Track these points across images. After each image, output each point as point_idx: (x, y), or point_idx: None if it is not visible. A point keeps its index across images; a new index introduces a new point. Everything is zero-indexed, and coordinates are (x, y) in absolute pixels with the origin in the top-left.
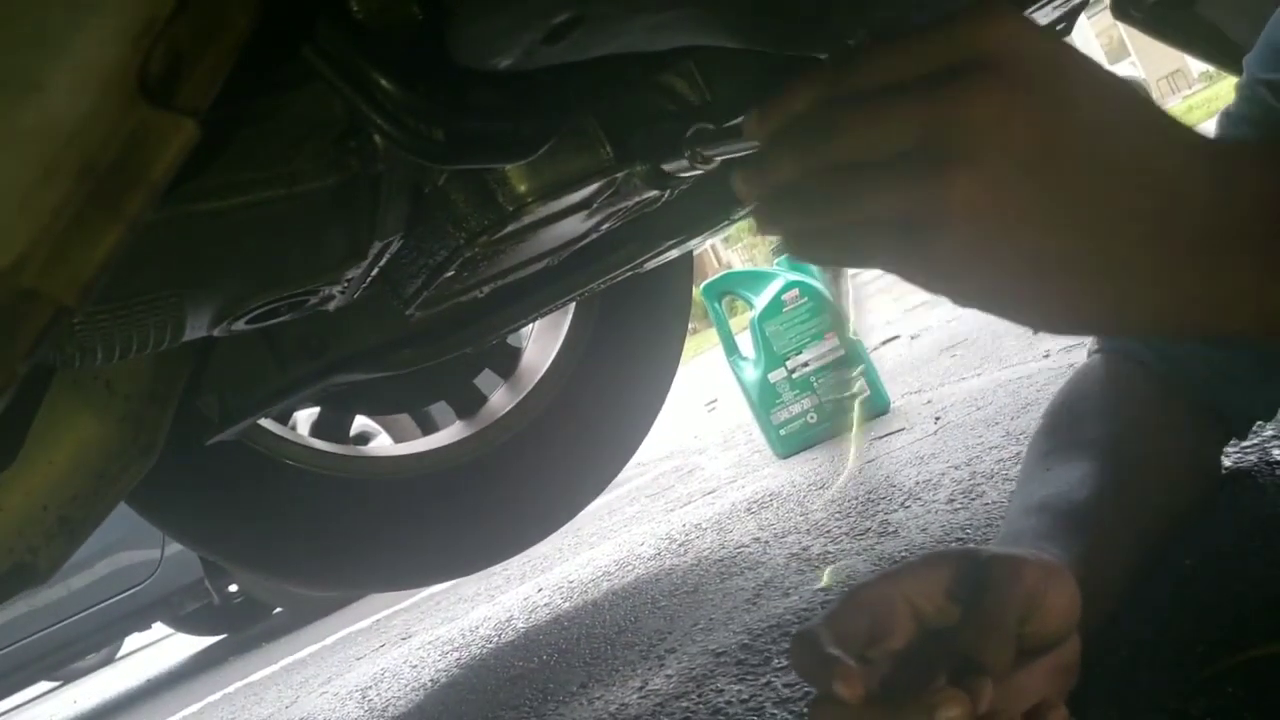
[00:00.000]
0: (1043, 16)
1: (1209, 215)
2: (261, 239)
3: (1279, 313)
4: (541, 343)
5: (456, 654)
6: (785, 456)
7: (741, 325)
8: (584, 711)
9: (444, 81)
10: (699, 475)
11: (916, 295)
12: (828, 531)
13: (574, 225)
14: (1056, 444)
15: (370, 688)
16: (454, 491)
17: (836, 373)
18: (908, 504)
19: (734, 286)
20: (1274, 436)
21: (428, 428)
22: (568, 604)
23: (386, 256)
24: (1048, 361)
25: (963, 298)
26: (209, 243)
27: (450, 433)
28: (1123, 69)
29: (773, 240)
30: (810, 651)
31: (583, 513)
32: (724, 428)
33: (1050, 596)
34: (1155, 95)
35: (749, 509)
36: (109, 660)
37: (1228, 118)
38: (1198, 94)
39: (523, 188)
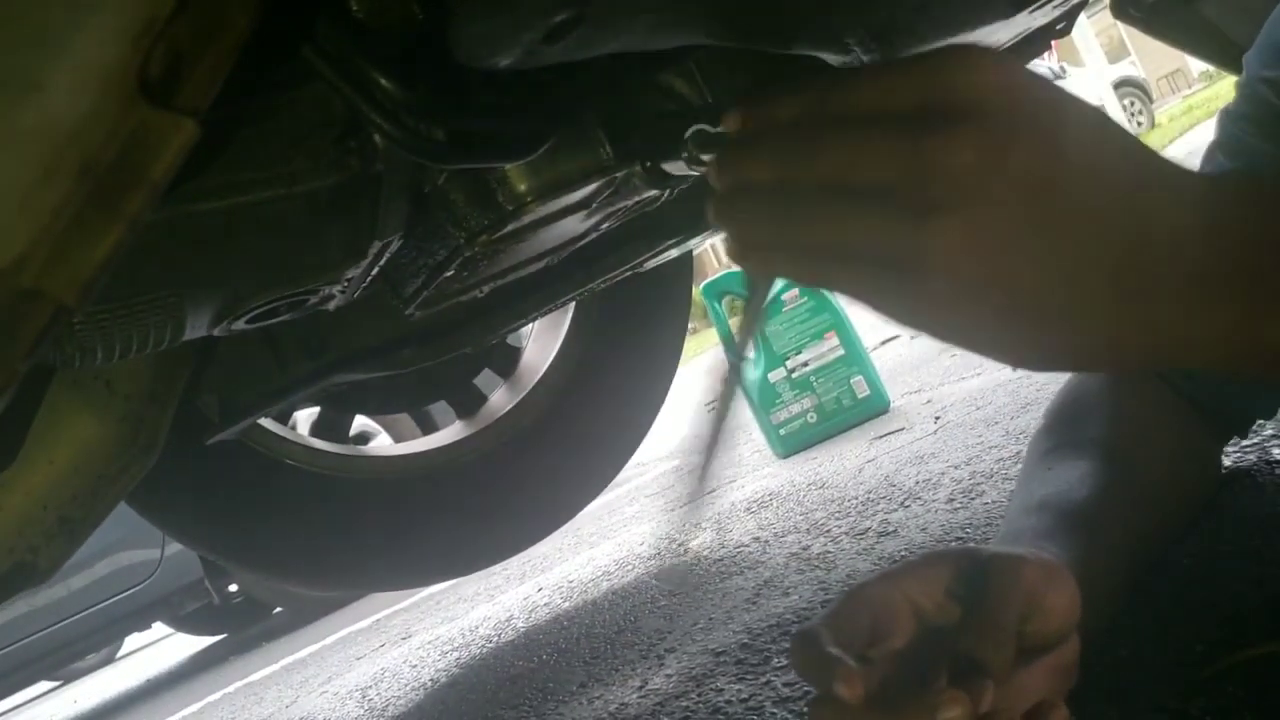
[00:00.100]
0: (1042, 16)
1: (1196, 256)
2: (261, 239)
3: (1270, 347)
4: (541, 342)
5: (456, 654)
6: (785, 456)
7: None
8: (584, 711)
9: (444, 81)
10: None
11: None
12: (828, 531)
13: (574, 225)
14: (1056, 443)
15: (370, 687)
16: (454, 491)
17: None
18: (908, 503)
19: (734, 286)
20: (1274, 436)
21: (428, 428)
22: (568, 604)
23: (386, 256)
24: None
25: (938, 337)
26: (209, 243)
27: (450, 432)
28: (1123, 69)
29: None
30: (811, 651)
31: (583, 512)
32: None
33: (1050, 596)
34: (1155, 95)
35: (749, 508)
36: (109, 660)
37: (1228, 115)
38: (1198, 94)
39: (523, 187)
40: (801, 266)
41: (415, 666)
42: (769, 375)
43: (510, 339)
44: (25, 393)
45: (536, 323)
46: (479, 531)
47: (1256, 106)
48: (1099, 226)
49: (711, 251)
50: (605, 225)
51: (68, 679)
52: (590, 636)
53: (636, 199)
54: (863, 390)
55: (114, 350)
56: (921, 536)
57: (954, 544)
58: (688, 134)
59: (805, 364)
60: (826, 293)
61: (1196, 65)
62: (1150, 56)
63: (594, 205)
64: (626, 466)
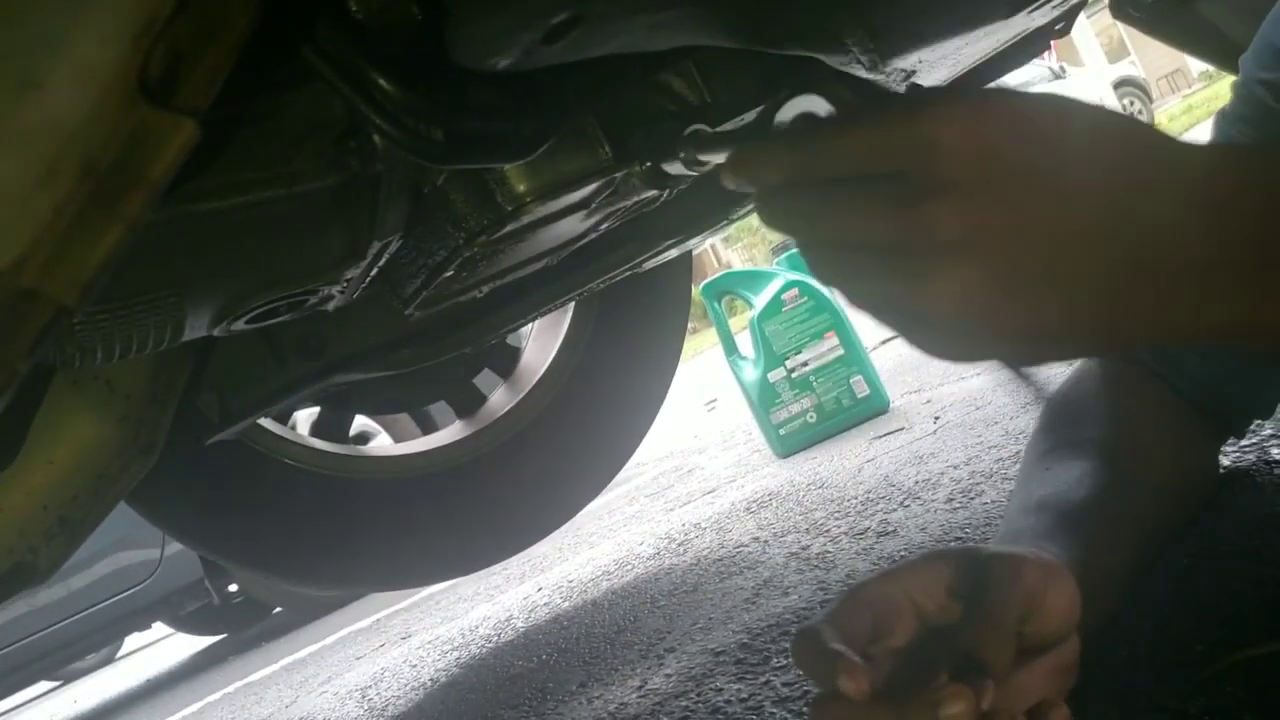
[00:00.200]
0: (1041, 16)
1: (1198, 248)
2: (261, 239)
3: (1273, 330)
4: (541, 342)
5: (456, 653)
6: (785, 456)
7: (741, 325)
8: (583, 711)
9: (443, 81)
10: (699, 475)
11: None
12: (827, 531)
13: (573, 225)
14: (1055, 443)
15: (370, 687)
16: (454, 491)
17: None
18: (907, 503)
19: (733, 286)
20: (1273, 436)
21: (428, 428)
22: (567, 603)
23: (386, 256)
24: None
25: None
26: (209, 243)
27: (450, 432)
28: (1122, 69)
29: (773, 239)
30: (813, 648)
31: (583, 512)
32: (724, 427)
33: (1050, 596)
34: (1155, 95)
35: (748, 508)
36: (109, 660)
37: (1224, 118)
38: (1198, 94)
39: (522, 188)
40: (842, 279)
41: (415, 666)
42: (769, 375)
43: (510, 339)
44: (25, 392)
45: (536, 323)
46: (479, 531)
47: (1252, 108)
48: (1093, 244)
49: (711, 251)
50: (604, 225)
51: (68, 679)
52: (590, 636)
53: (635, 199)
54: (862, 390)
55: (114, 350)
56: (921, 536)
57: (954, 544)
58: (686, 134)
59: (805, 364)
60: (827, 293)
61: (1196, 65)
62: (1150, 56)
63: (593, 205)
64: (626, 466)
